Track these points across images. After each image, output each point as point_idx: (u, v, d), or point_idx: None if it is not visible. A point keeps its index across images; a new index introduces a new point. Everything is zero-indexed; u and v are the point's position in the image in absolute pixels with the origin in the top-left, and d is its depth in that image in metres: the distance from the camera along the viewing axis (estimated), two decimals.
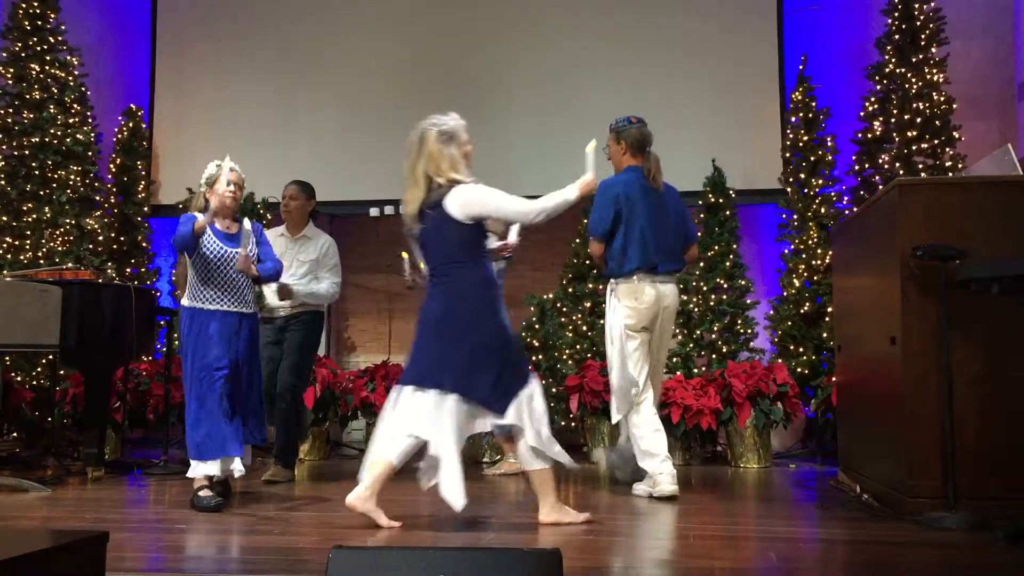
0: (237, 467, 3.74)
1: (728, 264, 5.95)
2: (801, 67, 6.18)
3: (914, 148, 5.87)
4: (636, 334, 4.06)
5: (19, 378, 6.20)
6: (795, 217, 6.01)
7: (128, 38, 7.53)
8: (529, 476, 3.36)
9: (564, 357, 5.88)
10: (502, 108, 6.78)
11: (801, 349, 5.74)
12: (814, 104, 6.13)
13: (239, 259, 3.83)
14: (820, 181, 6.01)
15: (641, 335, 4.07)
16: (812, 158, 6.04)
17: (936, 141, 5.84)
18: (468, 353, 3.24)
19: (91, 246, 6.51)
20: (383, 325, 6.98)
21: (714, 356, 5.78)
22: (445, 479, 3.20)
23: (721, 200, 6.06)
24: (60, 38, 6.76)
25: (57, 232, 6.40)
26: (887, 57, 6.05)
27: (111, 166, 6.98)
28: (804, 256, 5.89)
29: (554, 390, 5.70)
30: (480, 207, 3.31)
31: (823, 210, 5.93)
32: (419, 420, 3.23)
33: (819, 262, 5.80)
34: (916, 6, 5.98)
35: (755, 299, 6.01)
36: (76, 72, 6.78)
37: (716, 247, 5.95)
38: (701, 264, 5.95)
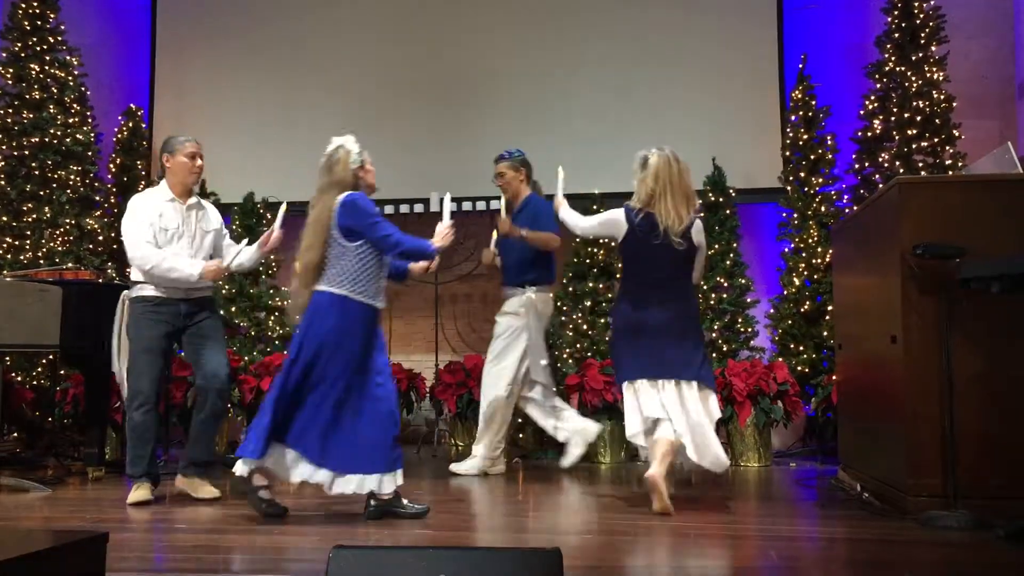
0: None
1: (728, 263, 5.94)
2: (801, 66, 6.18)
3: (914, 147, 5.87)
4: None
5: (19, 378, 6.21)
6: (795, 216, 6.01)
7: (128, 38, 7.53)
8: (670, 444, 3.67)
9: (564, 356, 5.89)
10: (503, 108, 6.79)
11: (801, 348, 5.74)
12: (814, 103, 6.12)
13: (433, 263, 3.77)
14: (820, 180, 6.01)
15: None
16: (812, 157, 6.04)
17: (936, 139, 5.84)
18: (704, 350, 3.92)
19: (91, 246, 6.51)
20: (383, 324, 6.98)
21: (714, 355, 5.77)
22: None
23: (721, 199, 6.06)
24: (60, 38, 6.76)
25: (57, 232, 6.40)
26: (887, 55, 6.05)
27: (111, 166, 6.98)
28: (804, 255, 5.89)
29: (555, 389, 5.70)
30: (702, 240, 3.92)
31: (823, 209, 5.93)
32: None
33: (819, 261, 5.80)
34: (916, 4, 5.98)
35: (755, 298, 6.01)
36: (76, 72, 6.78)
37: (716, 246, 5.95)
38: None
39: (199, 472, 4.02)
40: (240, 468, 3.43)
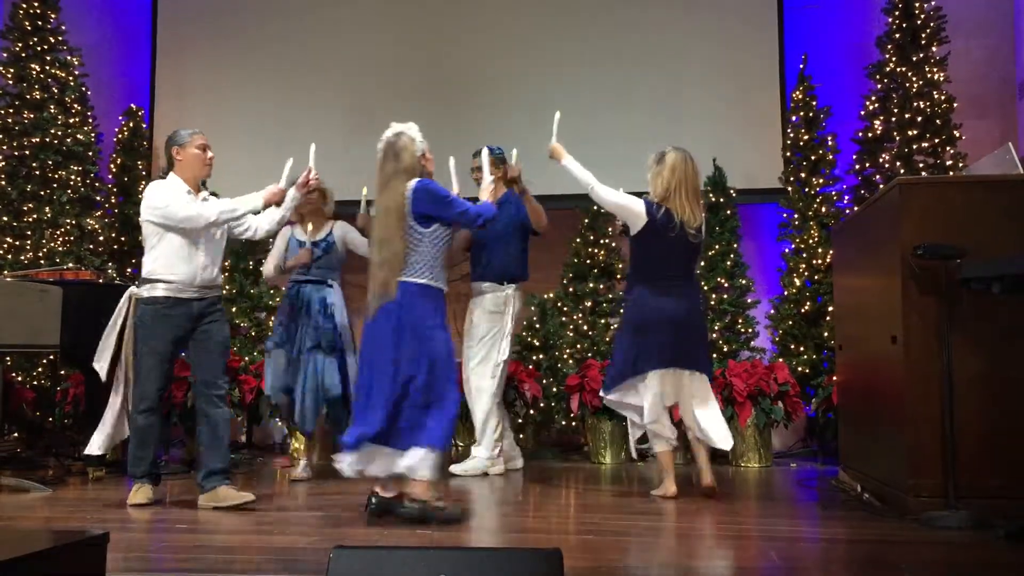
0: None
1: (729, 263, 5.94)
2: (801, 66, 6.18)
3: (915, 147, 5.87)
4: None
5: (20, 378, 6.21)
6: (796, 216, 6.01)
7: (128, 38, 7.53)
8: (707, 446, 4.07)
9: (565, 356, 5.88)
10: (503, 108, 6.79)
11: (802, 348, 5.74)
12: (815, 103, 6.12)
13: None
14: (821, 180, 6.01)
15: None
16: (813, 157, 6.04)
17: (937, 140, 5.84)
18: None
19: (92, 246, 6.51)
20: None
21: (715, 355, 5.77)
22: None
23: (722, 199, 6.06)
24: (60, 38, 6.77)
25: (57, 232, 6.40)
26: (888, 56, 6.05)
27: (111, 166, 6.98)
28: (805, 255, 5.88)
29: (555, 390, 5.70)
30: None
31: (824, 209, 5.93)
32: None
33: (820, 261, 5.80)
34: (917, 5, 5.98)
35: (756, 298, 6.01)
36: (76, 72, 6.78)
37: (717, 246, 5.95)
38: (702, 263, 5.94)
39: (223, 480, 3.78)
40: (347, 470, 3.37)
